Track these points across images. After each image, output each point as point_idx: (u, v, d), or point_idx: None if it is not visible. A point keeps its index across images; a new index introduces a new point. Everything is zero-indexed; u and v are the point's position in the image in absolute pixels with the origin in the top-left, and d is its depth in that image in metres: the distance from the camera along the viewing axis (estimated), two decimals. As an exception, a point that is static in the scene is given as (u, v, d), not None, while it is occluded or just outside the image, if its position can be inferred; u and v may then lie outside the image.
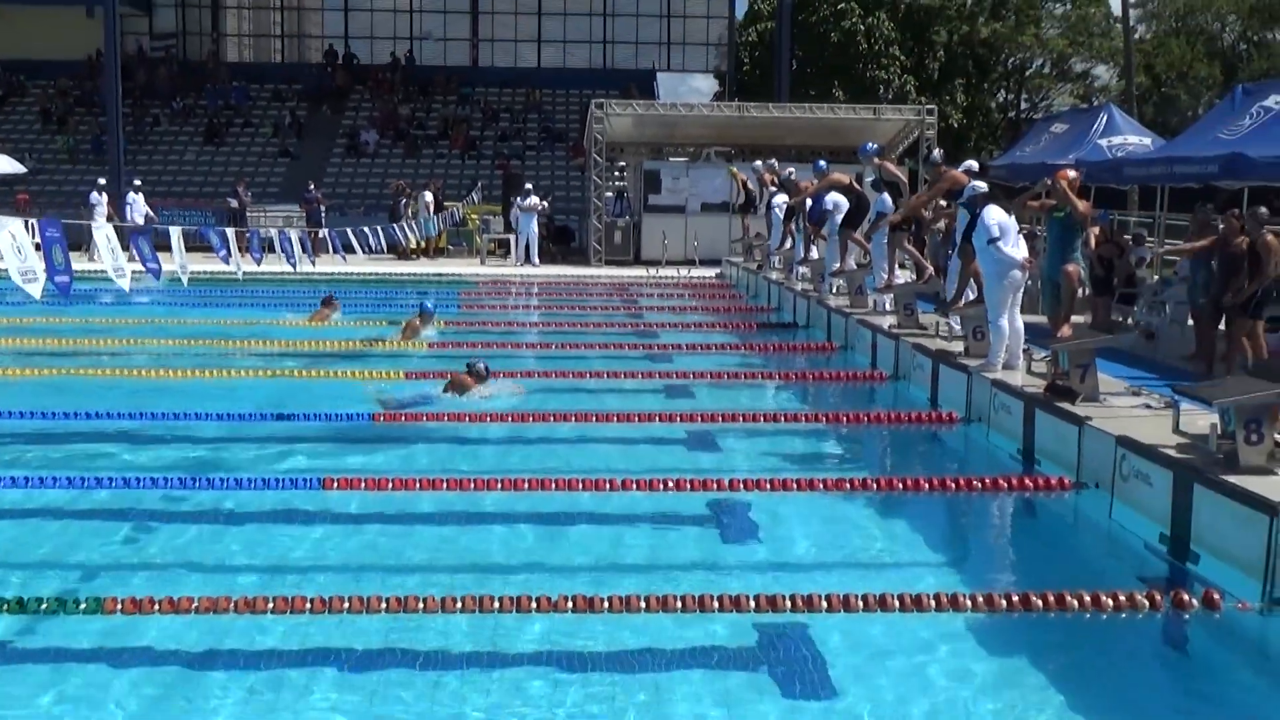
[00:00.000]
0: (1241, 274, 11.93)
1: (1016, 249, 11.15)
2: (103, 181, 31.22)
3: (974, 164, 14.71)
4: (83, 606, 6.42)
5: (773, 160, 24.75)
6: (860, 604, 6.53)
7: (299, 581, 7.03)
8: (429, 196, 31.27)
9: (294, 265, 16.29)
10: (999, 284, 11.17)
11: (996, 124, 47.91)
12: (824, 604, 6.54)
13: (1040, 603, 6.54)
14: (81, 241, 21.88)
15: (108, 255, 9.83)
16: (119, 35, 34.87)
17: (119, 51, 34.73)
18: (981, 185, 11.87)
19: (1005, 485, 9.07)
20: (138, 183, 31.76)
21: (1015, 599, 6.57)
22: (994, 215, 11.15)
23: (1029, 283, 11.94)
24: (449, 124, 42.83)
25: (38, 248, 8.64)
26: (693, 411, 11.66)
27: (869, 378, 13.91)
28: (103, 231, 9.72)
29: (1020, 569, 7.99)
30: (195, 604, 6.40)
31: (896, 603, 6.55)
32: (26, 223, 8.62)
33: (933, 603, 6.57)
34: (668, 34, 49.01)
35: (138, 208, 29.91)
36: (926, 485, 9.05)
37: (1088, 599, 6.55)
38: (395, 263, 29.22)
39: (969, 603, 6.59)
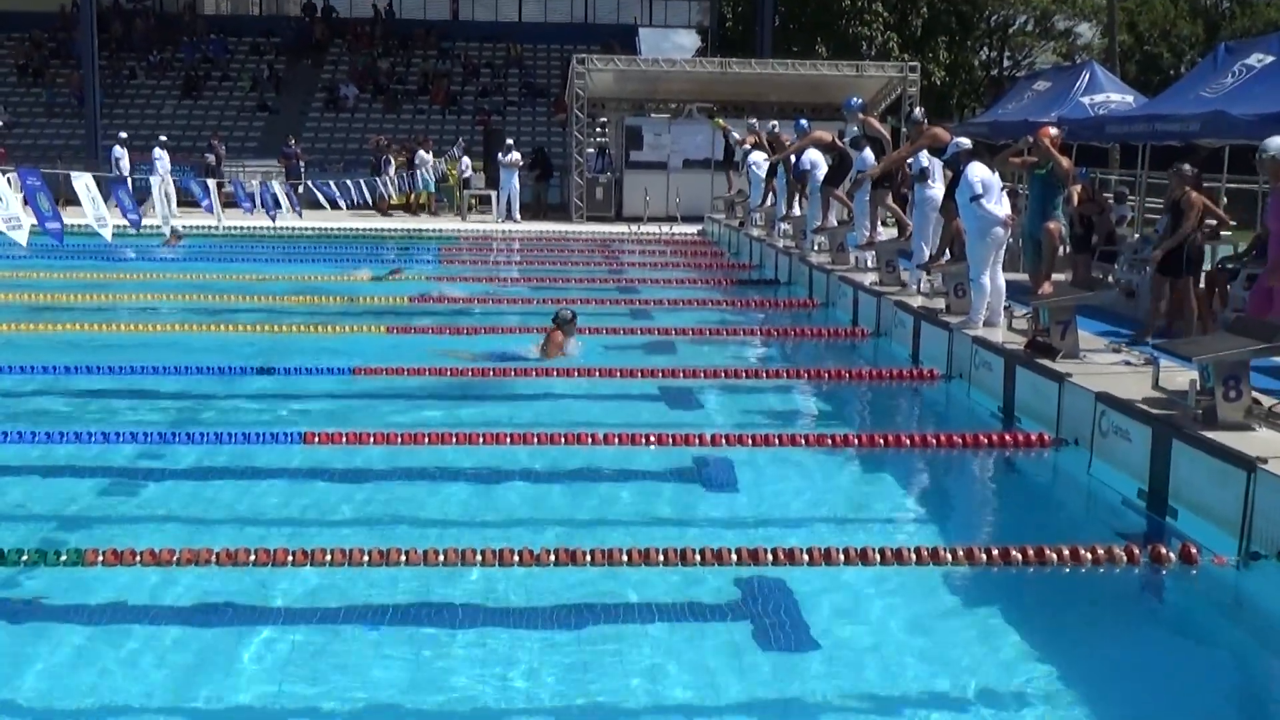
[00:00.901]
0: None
1: (999, 206, 11.15)
2: (124, 135, 30.99)
3: (919, 111, 14.80)
4: (63, 559, 6.40)
5: (753, 120, 24.72)
6: (841, 557, 6.56)
7: (280, 535, 7.03)
8: (427, 155, 31.07)
9: (273, 218, 16.19)
10: (981, 241, 11.18)
11: (979, 81, 47.78)
12: (804, 557, 6.56)
13: (1019, 556, 6.58)
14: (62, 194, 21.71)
15: (89, 205, 9.75)
16: (93, -15, 34.39)
17: (95, 3, 34.28)
18: (965, 142, 11.85)
19: (985, 441, 9.11)
20: (164, 138, 31.44)
21: (995, 553, 6.60)
22: (977, 172, 11.15)
23: (1010, 240, 11.93)
24: (429, 79, 42.52)
25: (25, 202, 8.57)
26: (674, 367, 11.66)
27: (850, 334, 13.94)
28: (82, 181, 9.63)
29: (1000, 524, 8.05)
30: (176, 555, 6.39)
31: (877, 556, 6.58)
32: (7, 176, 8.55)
33: (913, 556, 6.60)
34: (650, -12, 48.71)
35: (164, 163, 29.59)
36: (907, 441, 9.09)
37: (1066, 553, 6.60)
38: (376, 218, 29.07)
39: (949, 556, 6.63)
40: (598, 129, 33.69)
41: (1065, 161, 11.23)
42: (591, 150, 31.34)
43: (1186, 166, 11.65)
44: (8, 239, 8.54)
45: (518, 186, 29.48)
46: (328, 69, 43.41)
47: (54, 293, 16.25)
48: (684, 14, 49.55)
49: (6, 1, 42.05)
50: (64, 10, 42.40)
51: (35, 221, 8.50)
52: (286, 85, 42.07)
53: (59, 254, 17.44)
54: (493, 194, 30.44)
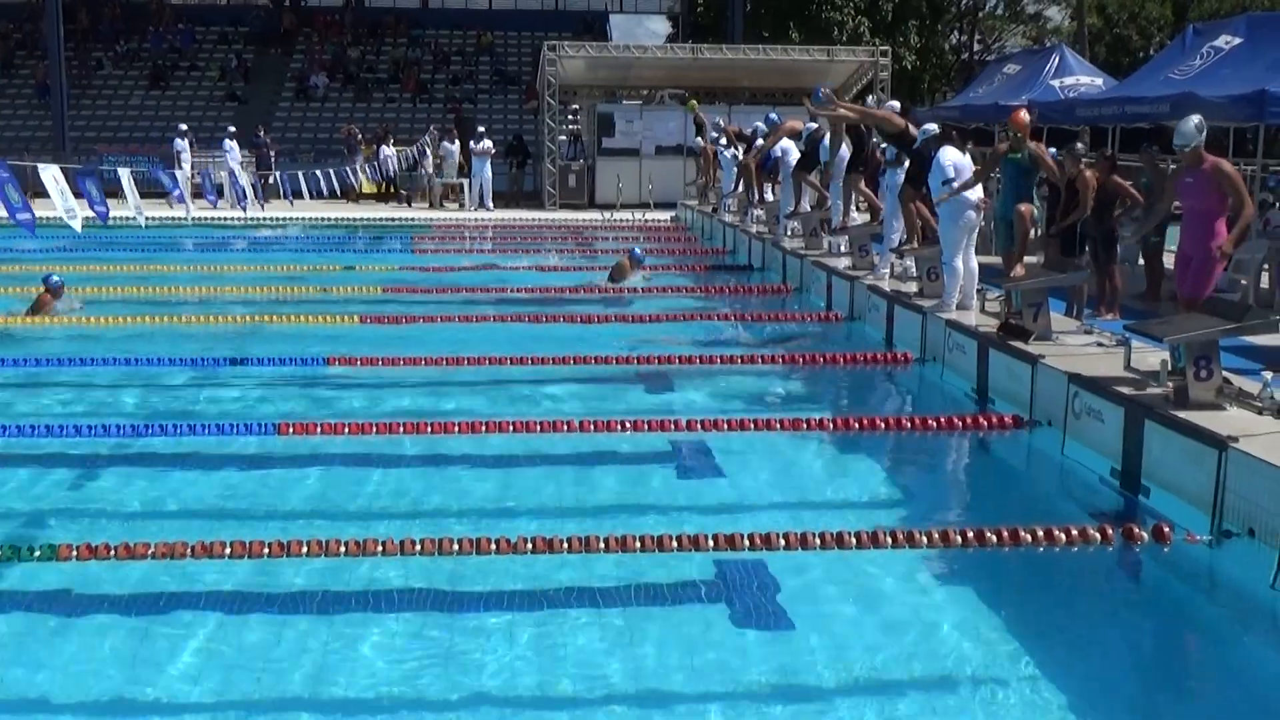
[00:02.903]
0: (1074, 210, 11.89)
1: (971, 191, 11.17)
2: (184, 127, 30.79)
3: (895, 104, 14.83)
4: (37, 554, 6.37)
5: (718, 120, 24.85)
6: (817, 541, 6.58)
7: (252, 527, 7.02)
8: (389, 149, 31.00)
9: (244, 209, 16.11)
10: (954, 225, 11.20)
11: (950, 66, 47.86)
12: (781, 542, 6.57)
13: (994, 538, 6.61)
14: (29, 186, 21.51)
15: (57, 197, 9.67)
16: (59, -24, 34.03)
17: (60, -7, 33.92)
18: (933, 127, 11.87)
19: (960, 424, 9.14)
20: (232, 130, 31.17)
21: (970, 534, 6.63)
22: (949, 156, 11.17)
23: (983, 223, 11.97)
24: (399, 67, 42.30)
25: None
26: (649, 354, 11.66)
27: (824, 319, 13.97)
28: (50, 173, 9.55)
29: (974, 505, 8.09)
30: (151, 549, 6.35)
31: (853, 540, 6.59)
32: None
33: (889, 539, 6.63)
34: (621, -25, 48.57)
35: (234, 155, 29.32)
36: (882, 425, 9.12)
37: (1040, 533, 6.63)
38: (348, 207, 28.94)
39: (924, 539, 6.66)
40: (570, 116, 33.60)
41: (1036, 146, 11.26)
42: (564, 137, 31.27)
43: (1079, 146, 11.76)
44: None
45: (490, 175, 29.38)
46: (297, 58, 43.11)
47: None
48: (655, 0, 49.44)
49: (-30, -8, 41.62)
50: (30, 0, 41.96)
51: (4, 213, 8.41)
52: (255, 75, 41.79)
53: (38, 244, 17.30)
54: (464, 182, 30.33)
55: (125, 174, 12.46)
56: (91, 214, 11.56)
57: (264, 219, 20.64)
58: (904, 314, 12.03)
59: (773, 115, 20.16)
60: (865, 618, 5.98)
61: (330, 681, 5.22)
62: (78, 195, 10.68)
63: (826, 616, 6.00)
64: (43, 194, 10.25)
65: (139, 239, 19.45)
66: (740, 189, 21.76)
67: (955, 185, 10.98)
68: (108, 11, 44.24)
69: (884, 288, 13.14)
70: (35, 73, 39.78)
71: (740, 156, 21.73)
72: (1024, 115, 11.57)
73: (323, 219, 25.82)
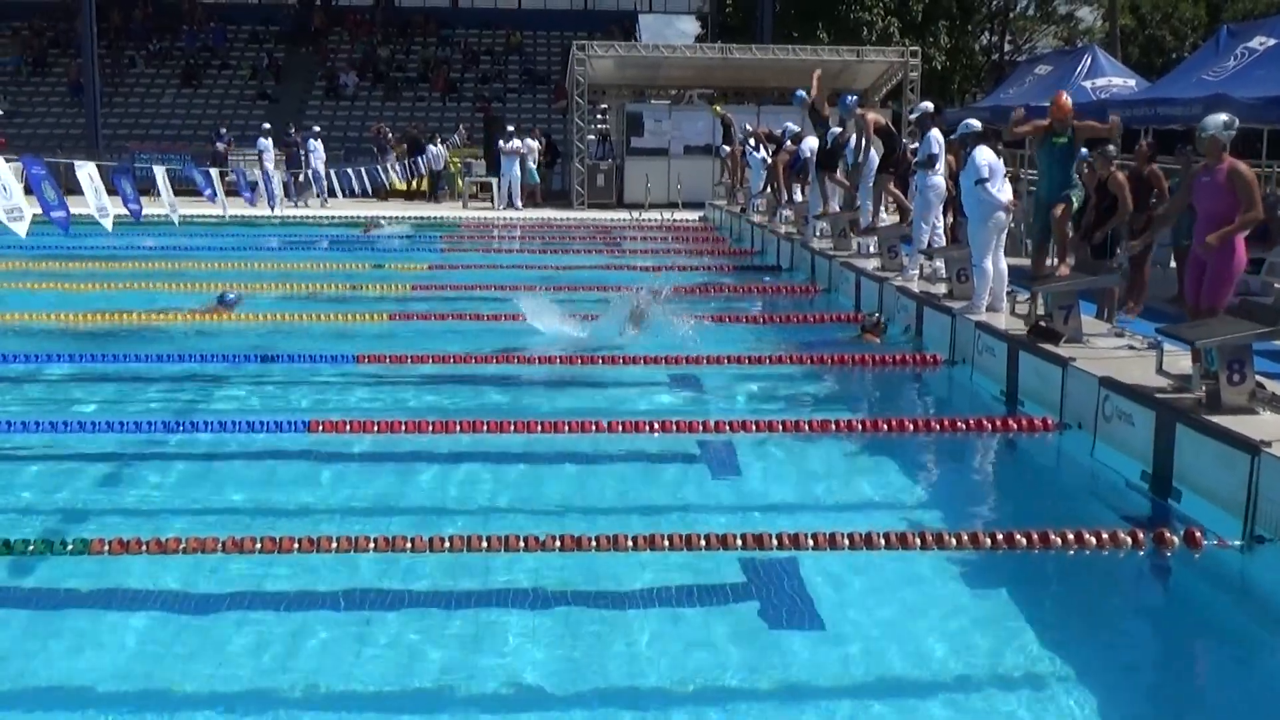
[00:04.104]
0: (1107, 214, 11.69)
1: (1002, 192, 11.13)
2: (268, 126, 31.08)
3: (929, 105, 14.77)
4: (70, 548, 6.42)
5: (746, 124, 24.81)
6: (846, 542, 6.57)
7: (288, 523, 7.06)
8: (437, 148, 31.32)
9: (273, 207, 16.22)
10: (983, 225, 11.16)
11: (980, 66, 47.67)
12: (810, 542, 6.57)
13: (1024, 541, 6.58)
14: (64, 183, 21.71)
15: (91, 195, 9.75)
16: (93, -25, 34.31)
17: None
18: (975, 124, 11.79)
19: (989, 426, 9.12)
20: (316, 129, 31.44)
21: (1000, 537, 6.61)
22: (984, 155, 11.12)
23: (1012, 224, 11.91)
24: (429, 66, 42.47)
25: (27, 190, 8.56)
26: (677, 354, 11.65)
27: (853, 320, 13.92)
28: (85, 170, 9.63)
29: (1004, 508, 8.06)
30: (182, 544, 6.40)
31: (882, 541, 6.58)
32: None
33: (918, 541, 6.61)
34: (650, -26, 48.57)
35: (318, 154, 29.55)
36: (911, 426, 9.09)
37: (1071, 537, 6.60)
38: (376, 206, 29.06)
39: (954, 541, 6.64)
40: (598, 116, 33.63)
41: (1093, 122, 10.94)
42: (592, 137, 31.30)
43: (1110, 148, 11.52)
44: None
45: (518, 174, 29.45)
46: (328, 57, 43.33)
47: (61, 281, 16.26)
48: (684, 0, 49.42)
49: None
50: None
51: (40, 211, 8.48)
52: (286, 73, 42.03)
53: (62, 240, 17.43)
54: (493, 181, 30.40)
55: (160, 172, 12.55)
56: (125, 211, 11.64)
57: (296, 216, 20.80)
58: (933, 315, 12.00)
59: (791, 126, 20.14)
60: (894, 619, 5.97)
61: (355, 679, 5.24)
62: (112, 193, 10.75)
63: (856, 617, 5.98)
64: (75, 190, 10.30)
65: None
66: (768, 189, 21.73)
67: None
68: (140, 10, 44.58)
69: (913, 289, 13.11)
70: (68, 71, 40.13)
71: (769, 158, 21.72)
72: (1066, 98, 11.31)
73: (353, 218, 25.95)
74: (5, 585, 6.21)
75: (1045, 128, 11.18)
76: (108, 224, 10.38)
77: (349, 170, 21.91)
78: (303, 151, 30.55)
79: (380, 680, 5.22)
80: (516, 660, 5.42)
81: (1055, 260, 11.84)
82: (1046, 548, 6.57)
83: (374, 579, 6.25)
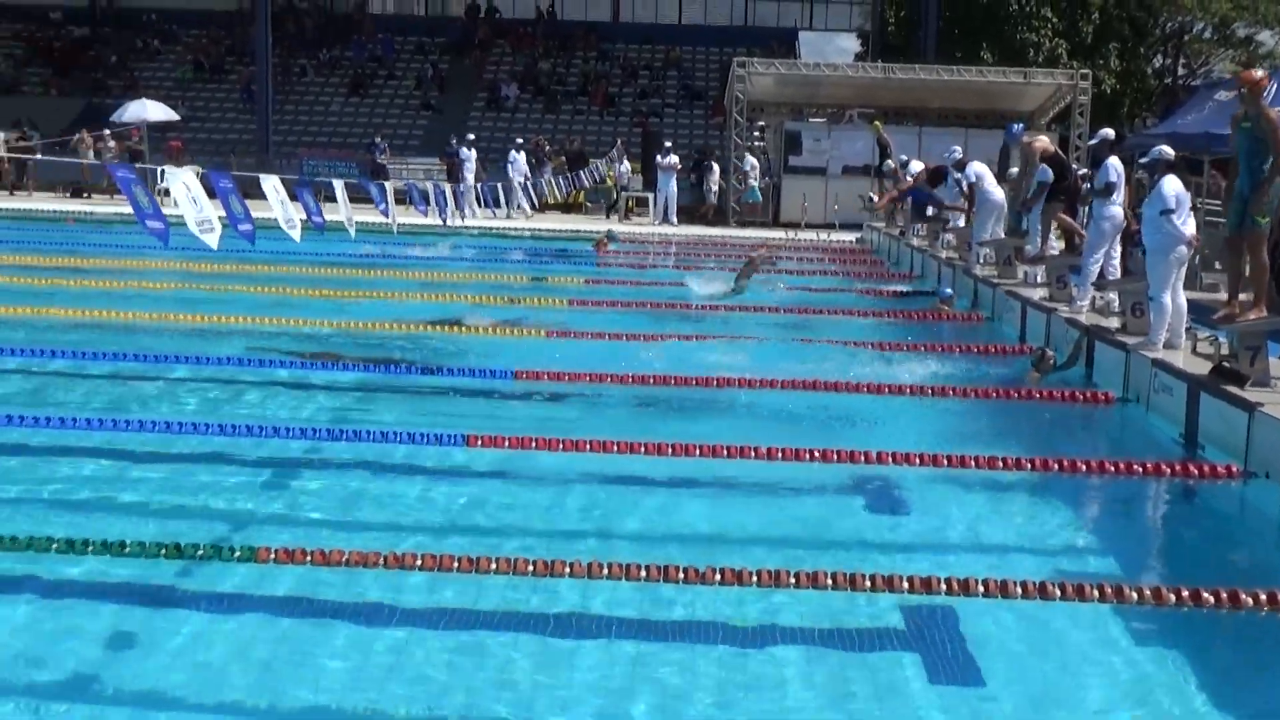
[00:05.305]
0: None
1: (1187, 225, 10.67)
2: (471, 136, 32.08)
3: (1109, 131, 14.25)
4: (236, 554, 6.50)
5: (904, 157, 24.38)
6: (1018, 590, 6.28)
7: (434, 540, 7.07)
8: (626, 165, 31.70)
9: (445, 219, 16.50)
10: (1164, 259, 10.70)
11: (1151, 90, 46.16)
12: (979, 588, 6.29)
13: (1211, 599, 6.21)
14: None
15: (278, 207, 9.98)
16: (270, -14, 35.49)
17: (270, 1, 35.36)
18: (1168, 151, 11.31)
19: (1167, 470, 8.68)
20: (519, 140, 32.33)
21: (1185, 594, 6.24)
22: (1172, 186, 10.67)
23: (1194, 259, 11.41)
24: (588, 80, 42.83)
25: (212, 197, 8.76)
26: (835, 380, 11.41)
27: (1018, 351, 13.50)
28: (270, 183, 9.85)
29: (1184, 560, 7.66)
30: (345, 556, 6.43)
31: (1056, 591, 6.28)
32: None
33: (1095, 593, 6.28)
34: (812, -9, 48.30)
35: (519, 166, 30.40)
36: (1084, 468, 8.71)
37: (1264, 597, 6.21)
38: (534, 218, 29.39)
39: (1134, 595, 6.29)
40: (756, 133, 33.49)
41: (1267, 110, 10.29)
42: (749, 154, 31.16)
43: None
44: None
45: (675, 189, 29.46)
46: (489, 69, 44.03)
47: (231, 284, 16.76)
48: (845, 17, 49.04)
49: (186, 0, 43.71)
50: (240, 9, 43.83)
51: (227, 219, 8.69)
52: (449, 85, 42.82)
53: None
54: (650, 196, 30.47)
55: (339, 184, 12.84)
56: (307, 222, 11.90)
57: (463, 228, 21.20)
58: (1106, 350, 11.55)
59: (956, 149, 19.73)
60: (1063, 675, 5.68)
61: (488, 698, 5.18)
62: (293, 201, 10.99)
63: (1021, 670, 5.71)
64: (252, 195, 10.54)
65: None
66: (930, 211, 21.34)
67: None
68: (312, 20, 45.92)
69: (1082, 321, 12.66)
70: (241, 78, 41.52)
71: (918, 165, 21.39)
72: (1255, 72, 10.65)
73: (509, 229, 26.28)
74: (176, 587, 6.31)
75: (1238, 116, 10.49)
76: (295, 235, 10.61)
77: (506, 184, 22.35)
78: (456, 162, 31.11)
79: (520, 703, 5.16)
80: (665, 697, 5.29)
81: (1235, 293, 11.24)
82: (1236, 608, 6.18)
83: (513, 601, 6.19)
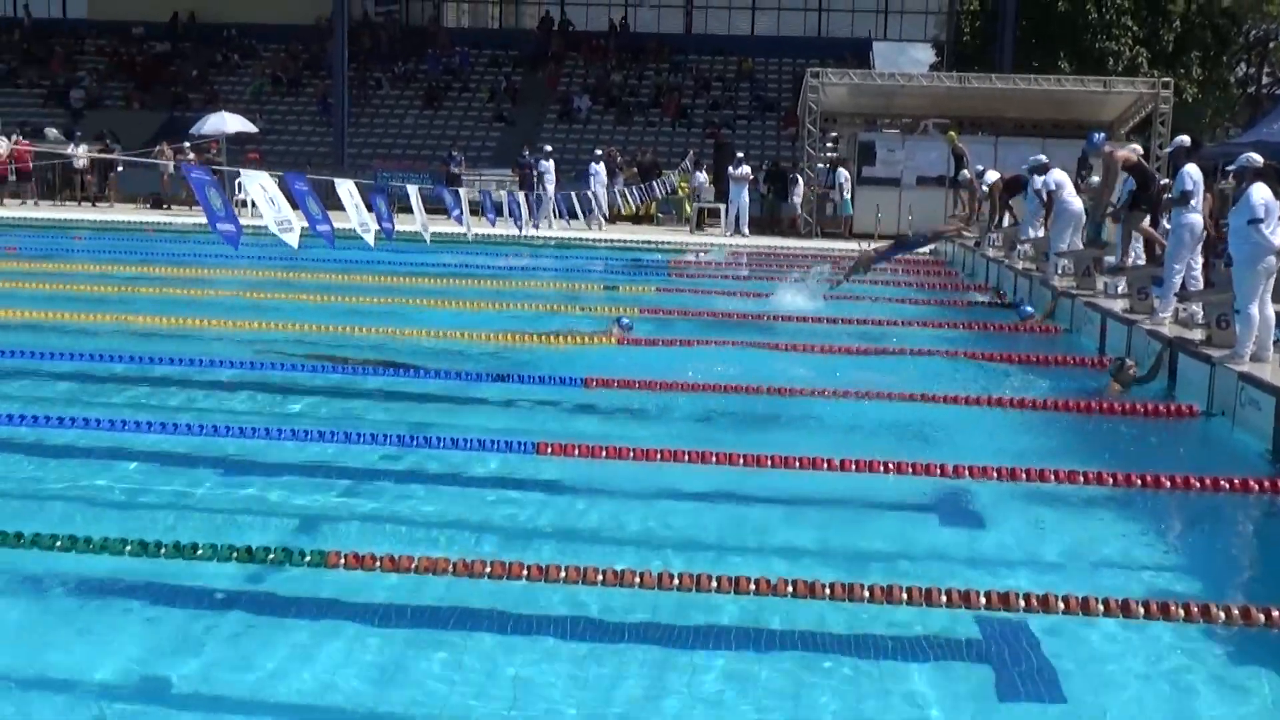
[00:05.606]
0: None
1: (1275, 235, 10.38)
2: (549, 148, 32.41)
3: (1185, 139, 13.94)
4: (306, 559, 6.50)
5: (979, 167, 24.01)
6: (1101, 608, 6.10)
7: (501, 546, 7.04)
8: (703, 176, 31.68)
9: (520, 229, 16.54)
10: (1252, 269, 10.42)
11: (1235, 99, 45.28)
12: (1060, 605, 6.13)
13: (1307, 621, 5.99)
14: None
15: (353, 211, 10.03)
16: (347, 0, 35.92)
17: (347, 16, 35.80)
18: (1257, 159, 11.06)
19: (1256, 488, 8.42)
20: (599, 152, 32.60)
21: (1275, 614, 6.02)
22: (1261, 194, 10.40)
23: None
24: (661, 91, 42.86)
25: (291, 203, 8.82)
26: (910, 392, 11.24)
27: (1098, 364, 13.22)
28: (345, 187, 9.91)
29: (1275, 580, 7.40)
30: (415, 563, 6.41)
31: (1141, 609, 6.09)
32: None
33: (1181, 612, 6.09)
34: (885, 1, 47.96)
35: (600, 177, 30.70)
36: (1168, 483, 8.47)
37: (1359, 619, 5.98)
38: (606, 228, 29.42)
39: (1221, 614, 6.08)
40: (829, 144, 33.29)
41: None
42: (822, 165, 30.96)
43: None
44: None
45: (747, 200, 29.34)
46: (562, 80, 44.21)
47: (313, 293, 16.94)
48: (920, 28, 48.63)
49: (266, 14, 44.39)
50: (318, 23, 44.42)
51: (306, 224, 8.74)
52: (523, 97, 43.05)
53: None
54: (722, 207, 30.38)
55: (414, 191, 12.88)
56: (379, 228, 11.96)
57: (536, 238, 21.29)
58: (1189, 363, 11.26)
59: (1041, 155, 19.43)
60: (1147, 696, 5.50)
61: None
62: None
63: (1105, 691, 5.53)
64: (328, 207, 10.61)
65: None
66: (1007, 221, 21.08)
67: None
68: (388, 34, 46.43)
69: (1165, 333, 12.37)
70: (318, 91, 42.06)
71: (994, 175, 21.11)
72: None
73: (587, 239, 26.33)
74: (247, 591, 6.32)
75: None
76: (370, 239, 10.66)
77: (589, 193, 22.54)
78: (534, 173, 31.24)
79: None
80: (732, 707, 5.22)
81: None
82: (1334, 631, 5.96)
83: (574, 607, 6.13)
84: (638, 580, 6.28)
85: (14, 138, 28.21)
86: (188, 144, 33.14)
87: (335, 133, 35.66)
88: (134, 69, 45.16)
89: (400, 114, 42.19)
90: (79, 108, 42.02)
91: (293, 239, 8.59)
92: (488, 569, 6.35)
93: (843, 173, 29.83)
